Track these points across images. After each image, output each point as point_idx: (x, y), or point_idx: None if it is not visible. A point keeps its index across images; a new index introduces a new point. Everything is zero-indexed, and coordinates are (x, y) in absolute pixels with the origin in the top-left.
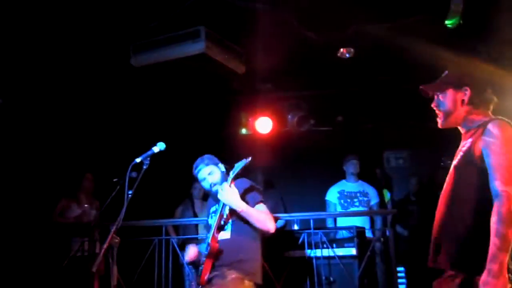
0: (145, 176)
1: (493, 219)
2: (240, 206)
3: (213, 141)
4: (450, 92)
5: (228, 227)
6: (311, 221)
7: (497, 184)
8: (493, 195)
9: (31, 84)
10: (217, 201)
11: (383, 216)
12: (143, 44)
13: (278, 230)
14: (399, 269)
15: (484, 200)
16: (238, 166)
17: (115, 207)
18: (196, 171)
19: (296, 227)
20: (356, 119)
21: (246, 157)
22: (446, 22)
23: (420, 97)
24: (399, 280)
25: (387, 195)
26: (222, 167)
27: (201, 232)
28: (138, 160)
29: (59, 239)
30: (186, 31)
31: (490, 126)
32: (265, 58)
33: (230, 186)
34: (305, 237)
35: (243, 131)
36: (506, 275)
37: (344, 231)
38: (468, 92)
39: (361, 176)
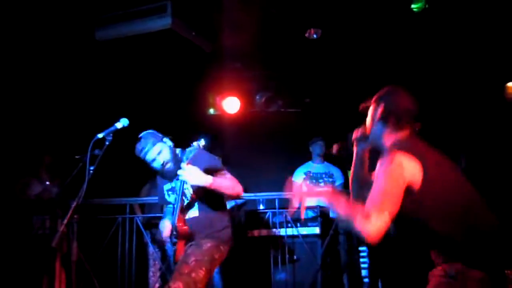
0: (110, 153)
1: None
2: (207, 181)
3: (179, 120)
4: (371, 109)
5: (195, 204)
6: (276, 200)
7: (366, 204)
8: None
9: None
10: (171, 179)
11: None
12: (108, 17)
13: (239, 206)
14: (361, 248)
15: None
16: (191, 151)
17: (78, 184)
18: (143, 153)
19: (262, 206)
20: (323, 101)
21: (198, 140)
22: (412, 6)
23: (387, 81)
24: (362, 260)
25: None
26: (168, 141)
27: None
28: (100, 135)
29: (20, 216)
30: (153, 5)
31: (381, 158)
32: (233, 37)
33: (188, 166)
34: (270, 217)
35: (211, 111)
36: None
37: (309, 211)
38: (380, 108)
39: (327, 158)
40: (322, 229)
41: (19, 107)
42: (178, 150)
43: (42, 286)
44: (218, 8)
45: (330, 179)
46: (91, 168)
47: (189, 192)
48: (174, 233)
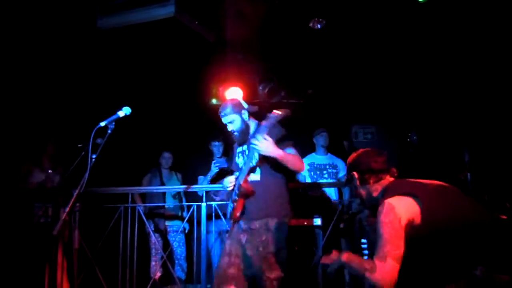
0: (113, 143)
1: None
2: (278, 153)
3: (182, 110)
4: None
5: (258, 169)
6: None
7: (374, 255)
8: None
9: None
10: (242, 144)
11: (350, 188)
12: (111, 6)
13: None
14: (363, 240)
15: None
16: (273, 118)
17: (80, 173)
18: (222, 116)
19: None
20: (326, 92)
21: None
22: None
23: (393, 72)
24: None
25: None
26: (246, 114)
27: (168, 201)
28: (102, 124)
29: (21, 204)
30: None
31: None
32: (236, 27)
33: (264, 137)
34: None
35: (213, 101)
36: None
37: None
38: (355, 176)
39: (330, 149)
40: (324, 220)
41: (22, 96)
42: (252, 123)
43: (44, 274)
44: None
45: (334, 170)
46: (93, 156)
47: (255, 158)
48: (237, 191)
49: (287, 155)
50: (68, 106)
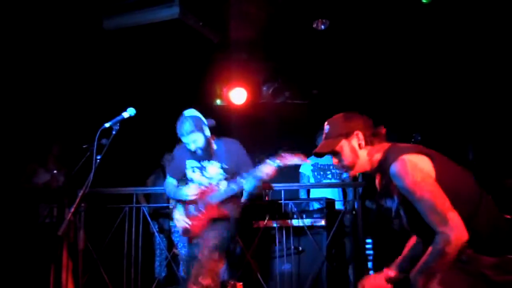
0: (117, 144)
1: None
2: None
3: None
4: (344, 144)
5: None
6: (282, 192)
7: (430, 225)
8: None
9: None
10: (199, 160)
11: (353, 189)
12: (116, 6)
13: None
14: (367, 240)
15: None
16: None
17: (85, 173)
18: (183, 133)
19: (267, 198)
20: (331, 93)
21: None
22: None
23: (397, 73)
24: (367, 252)
25: None
26: (207, 130)
27: (172, 202)
28: (107, 125)
29: (27, 205)
30: None
31: (392, 172)
32: (241, 27)
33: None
34: (276, 208)
35: (218, 101)
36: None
37: (316, 203)
38: (361, 135)
39: None
40: (327, 221)
41: (27, 96)
42: (213, 139)
43: (49, 275)
44: None
45: (338, 171)
46: (98, 157)
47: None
48: (201, 209)
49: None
50: (73, 106)
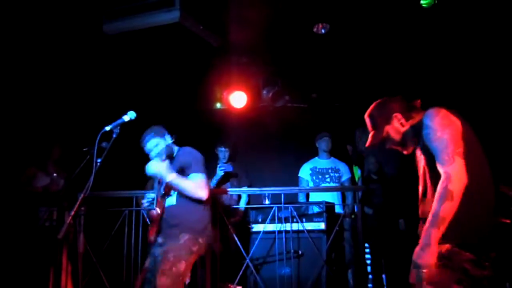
0: (118, 147)
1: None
2: (166, 176)
3: (186, 114)
4: (388, 128)
5: (174, 193)
6: (282, 195)
7: (439, 167)
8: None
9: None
10: None
11: (353, 192)
12: (116, 10)
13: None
14: (366, 245)
15: None
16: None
17: (85, 177)
18: (143, 143)
19: (267, 201)
20: (330, 97)
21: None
22: (422, 2)
23: (396, 76)
24: (366, 256)
25: (357, 172)
26: (168, 139)
27: None
28: (107, 128)
29: (26, 208)
30: None
31: (425, 114)
32: (241, 31)
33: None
34: (276, 211)
35: (218, 105)
36: (434, 247)
37: (315, 207)
38: (399, 115)
39: (334, 153)
40: (327, 225)
41: (27, 100)
42: (175, 148)
43: (49, 278)
44: (226, 2)
45: (337, 174)
46: (98, 160)
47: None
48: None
49: (179, 180)
50: (73, 110)
